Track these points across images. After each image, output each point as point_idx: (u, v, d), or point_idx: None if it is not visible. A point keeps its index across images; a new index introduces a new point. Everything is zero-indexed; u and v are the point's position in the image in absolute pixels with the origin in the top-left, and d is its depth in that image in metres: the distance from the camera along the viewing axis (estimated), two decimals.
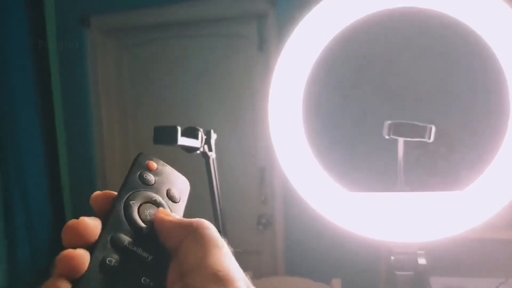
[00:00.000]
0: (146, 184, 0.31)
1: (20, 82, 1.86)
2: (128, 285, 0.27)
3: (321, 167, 0.87)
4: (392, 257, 0.81)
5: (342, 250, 1.52)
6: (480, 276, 1.28)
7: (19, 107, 1.85)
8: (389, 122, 0.79)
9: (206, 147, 0.84)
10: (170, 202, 0.32)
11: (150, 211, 0.30)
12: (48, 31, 1.98)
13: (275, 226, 1.87)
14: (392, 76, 0.93)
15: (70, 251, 0.25)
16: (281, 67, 0.87)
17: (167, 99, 1.98)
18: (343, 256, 1.61)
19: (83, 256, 0.25)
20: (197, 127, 0.81)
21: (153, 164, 0.33)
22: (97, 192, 0.30)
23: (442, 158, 0.88)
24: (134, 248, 0.28)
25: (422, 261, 0.79)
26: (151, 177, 0.32)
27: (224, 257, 0.28)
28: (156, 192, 0.32)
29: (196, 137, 0.80)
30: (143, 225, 0.29)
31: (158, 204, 0.31)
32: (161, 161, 0.34)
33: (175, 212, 0.32)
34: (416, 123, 0.79)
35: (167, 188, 0.33)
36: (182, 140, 0.73)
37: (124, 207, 0.29)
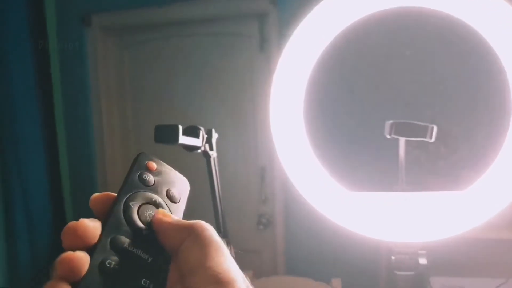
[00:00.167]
0: (146, 185, 0.31)
1: (20, 81, 1.86)
2: (128, 287, 0.26)
3: (322, 166, 0.87)
4: (393, 257, 0.81)
5: (343, 249, 1.52)
6: (480, 276, 1.28)
7: (19, 106, 1.85)
8: (391, 121, 0.79)
9: (207, 146, 0.84)
10: (170, 202, 0.32)
11: (150, 212, 0.30)
12: (48, 30, 1.98)
13: (275, 225, 1.87)
14: (394, 75, 0.93)
15: (69, 253, 0.25)
16: (282, 66, 0.87)
17: (168, 98, 1.98)
18: (343, 256, 1.61)
19: (82, 258, 0.25)
20: (198, 126, 0.81)
21: (153, 165, 0.33)
22: (97, 194, 0.30)
23: (442, 158, 0.88)
24: (134, 250, 0.28)
25: (423, 261, 0.79)
26: (150, 178, 0.32)
27: (224, 258, 0.28)
28: (156, 193, 0.32)
29: (197, 136, 0.80)
30: (142, 226, 0.29)
31: (157, 205, 0.31)
32: (161, 161, 0.34)
33: (175, 213, 0.32)
34: (418, 123, 0.79)
35: (167, 188, 0.32)
36: (183, 139, 0.73)
37: (123, 208, 0.29)
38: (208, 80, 1.91)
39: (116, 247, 0.27)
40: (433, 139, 0.78)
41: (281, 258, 1.86)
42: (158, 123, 0.71)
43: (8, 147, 1.81)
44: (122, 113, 2.09)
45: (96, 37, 2.00)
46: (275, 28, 1.75)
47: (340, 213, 0.84)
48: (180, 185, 0.34)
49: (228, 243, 0.89)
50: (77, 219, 0.27)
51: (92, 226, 0.27)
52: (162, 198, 0.32)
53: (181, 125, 0.73)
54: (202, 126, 0.83)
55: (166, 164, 0.34)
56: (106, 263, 0.26)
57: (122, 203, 0.29)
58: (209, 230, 0.29)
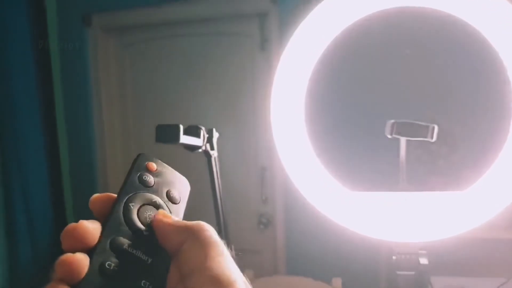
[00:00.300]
0: (146, 186, 0.31)
1: (21, 81, 1.86)
2: None
3: (323, 166, 0.87)
4: (394, 257, 0.80)
5: (343, 249, 1.52)
6: (481, 276, 1.28)
7: (20, 106, 1.85)
8: (392, 121, 0.79)
9: (208, 145, 0.84)
10: (170, 203, 0.32)
11: (150, 213, 0.30)
12: (49, 30, 1.98)
13: (276, 225, 1.87)
14: (395, 75, 0.93)
15: (69, 255, 0.25)
16: (283, 66, 0.87)
17: (168, 98, 1.98)
18: (344, 256, 1.61)
19: (82, 260, 0.25)
20: (199, 126, 0.81)
21: (153, 165, 0.33)
22: (96, 195, 0.30)
23: (443, 158, 0.88)
24: (134, 251, 0.28)
25: (423, 261, 0.79)
26: (150, 179, 0.32)
27: (224, 260, 0.28)
28: (156, 194, 0.31)
29: (198, 135, 0.80)
30: (142, 227, 0.29)
31: (158, 206, 0.31)
32: (161, 161, 0.34)
33: (175, 213, 0.32)
34: (419, 122, 0.79)
35: (167, 189, 0.32)
36: (184, 139, 0.73)
37: (123, 209, 0.29)
38: (209, 79, 1.91)
39: (115, 249, 0.27)
40: (434, 139, 0.78)
41: (281, 258, 1.86)
42: (159, 123, 0.71)
43: (8, 147, 1.81)
44: (123, 113, 2.09)
45: (97, 37, 2.00)
46: (276, 28, 1.75)
47: (341, 212, 0.84)
48: (180, 185, 0.34)
49: (228, 244, 0.89)
50: (77, 219, 0.27)
51: (92, 228, 0.27)
52: (162, 199, 0.31)
53: (182, 124, 0.73)
54: (203, 126, 0.83)
55: (166, 165, 0.34)
56: (106, 265, 0.26)
57: (122, 204, 0.29)
58: (210, 231, 0.29)
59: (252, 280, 1.47)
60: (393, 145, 0.81)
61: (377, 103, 0.92)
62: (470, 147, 0.88)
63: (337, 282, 1.43)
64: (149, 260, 0.28)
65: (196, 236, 0.28)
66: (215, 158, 0.87)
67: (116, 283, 0.26)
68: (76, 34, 2.00)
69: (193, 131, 0.79)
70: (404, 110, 0.88)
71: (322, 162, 0.87)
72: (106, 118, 2.05)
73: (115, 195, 0.30)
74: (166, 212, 0.31)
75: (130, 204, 0.29)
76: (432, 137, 0.78)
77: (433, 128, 0.78)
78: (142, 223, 0.29)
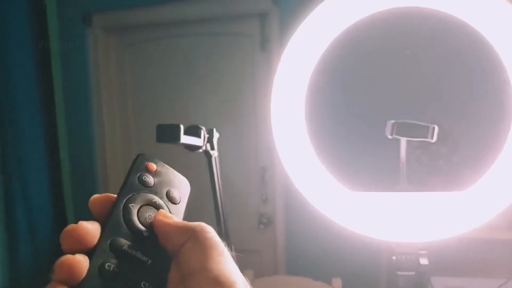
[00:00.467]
0: (146, 186, 0.31)
1: (22, 81, 1.86)
2: None
3: (323, 166, 0.87)
4: (394, 257, 0.80)
5: (343, 249, 1.52)
6: (482, 276, 1.28)
7: (21, 106, 1.85)
8: (392, 121, 0.79)
9: (208, 145, 0.84)
10: (170, 203, 0.32)
11: (149, 213, 0.30)
12: (50, 30, 1.98)
13: (276, 225, 1.87)
14: (395, 75, 0.93)
15: (69, 257, 0.25)
16: (284, 66, 0.87)
17: (169, 98, 1.98)
18: (344, 256, 1.61)
19: (82, 262, 0.25)
20: (200, 126, 0.81)
21: (153, 166, 0.32)
22: (96, 196, 0.29)
23: (444, 158, 0.88)
24: (134, 252, 0.27)
25: (424, 261, 0.79)
26: (150, 179, 0.32)
27: (225, 261, 0.28)
28: (156, 194, 0.31)
29: (198, 135, 0.80)
30: (142, 228, 0.29)
31: (157, 206, 0.31)
32: (161, 161, 0.33)
33: (175, 213, 0.32)
34: (419, 123, 0.79)
35: (167, 189, 0.32)
36: (185, 139, 0.73)
37: (123, 210, 0.29)
38: (209, 79, 1.91)
39: (115, 250, 0.27)
40: (434, 139, 0.78)
41: (281, 258, 1.86)
42: (159, 123, 0.71)
43: (9, 147, 1.81)
44: (123, 113, 2.09)
45: (97, 37, 2.00)
46: (276, 28, 1.75)
47: (341, 213, 0.84)
48: (180, 186, 0.33)
49: (228, 244, 0.89)
50: (78, 219, 0.27)
51: (92, 229, 0.27)
52: (162, 199, 0.31)
53: (182, 124, 0.73)
54: (203, 126, 0.83)
55: (166, 165, 0.34)
56: (106, 266, 0.26)
57: (122, 205, 0.29)
58: (210, 232, 0.29)
59: (252, 280, 1.47)
60: (393, 145, 0.81)
61: (377, 103, 0.92)
62: (471, 148, 0.88)
63: (337, 282, 1.43)
64: (149, 261, 0.28)
65: (196, 237, 0.28)
66: (215, 158, 0.87)
67: (116, 284, 0.26)
68: (77, 34, 2.00)
69: (193, 131, 0.79)
70: (405, 111, 0.88)
71: (323, 162, 0.87)
72: (106, 118, 2.05)
73: (115, 196, 0.30)
74: (166, 212, 0.31)
75: (130, 204, 0.29)
76: (432, 138, 0.78)
77: (433, 128, 0.78)
78: (142, 223, 0.29)
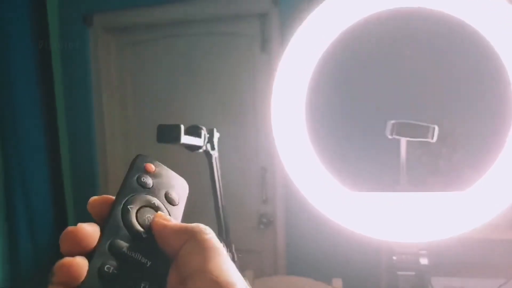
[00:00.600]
0: (144, 187, 0.31)
1: (22, 81, 1.86)
2: None
3: (323, 166, 0.87)
4: (394, 257, 0.81)
5: (343, 249, 1.52)
6: (482, 276, 1.28)
7: (21, 106, 1.86)
8: (392, 121, 0.79)
9: (208, 145, 0.84)
10: (168, 205, 0.32)
11: (148, 215, 0.30)
12: (50, 30, 1.98)
13: (276, 225, 1.87)
14: (396, 75, 0.93)
15: (68, 259, 0.25)
16: (284, 66, 0.87)
17: (169, 98, 1.98)
18: (344, 256, 1.61)
19: (81, 264, 0.25)
20: (200, 126, 0.81)
21: (151, 167, 0.32)
22: (94, 197, 0.29)
23: (444, 158, 0.88)
24: (133, 254, 0.27)
25: (424, 261, 0.79)
26: (149, 180, 0.32)
27: (224, 262, 0.28)
28: (154, 195, 0.31)
29: (199, 135, 0.80)
30: (141, 230, 0.29)
31: (156, 208, 0.31)
32: (159, 162, 0.33)
33: (174, 215, 0.32)
34: (419, 123, 0.79)
35: (166, 190, 0.32)
36: (185, 139, 0.73)
37: (122, 212, 0.29)
38: (209, 79, 1.92)
39: (115, 252, 0.27)
40: (434, 139, 0.78)
41: (281, 258, 1.86)
42: (160, 123, 0.71)
43: (9, 147, 1.81)
44: (124, 113, 2.10)
45: (98, 37, 2.00)
46: (277, 28, 1.75)
47: (341, 213, 0.84)
48: (179, 187, 0.33)
49: (229, 244, 0.89)
50: (78, 219, 0.27)
51: (91, 231, 0.27)
52: (160, 200, 0.31)
53: (182, 124, 0.73)
54: (204, 126, 0.83)
55: (164, 166, 0.34)
56: (105, 268, 0.26)
57: (121, 207, 0.29)
58: (208, 233, 0.29)
59: (252, 281, 1.47)
60: (393, 145, 0.81)
61: (377, 103, 0.92)
62: (471, 148, 0.88)
63: (338, 282, 1.43)
64: (149, 263, 0.28)
65: (195, 239, 0.28)
66: (215, 158, 0.87)
67: (115, 286, 0.26)
68: (77, 34, 2.00)
69: (194, 131, 0.79)
70: (405, 111, 0.88)
71: (323, 162, 0.87)
72: (107, 118, 2.05)
73: (113, 197, 0.30)
74: (165, 214, 0.31)
75: (128, 206, 0.29)
76: (432, 138, 0.78)
77: (434, 128, 0.78)
78: (141, 225, 0.29)
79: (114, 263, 0.26)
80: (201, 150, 0.83)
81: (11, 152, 1.82)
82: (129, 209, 0.29)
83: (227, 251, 0.30)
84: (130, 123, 2.09)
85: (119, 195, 0.30)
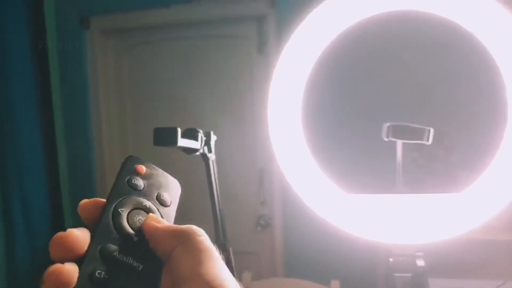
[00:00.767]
0: (135, 189, 0.30)
1: (20, 83, 1.86)
2: None
3: (320, 169, 0.87)
4: (391, 259, 0.81)
5: (341, 251, 1.52)
6: (478, 278, 1.29)
7: (18, 108, 1.85)
8: (388, 124, 0.80)
9: (205, 148, 0.84)
10: (160, 206, 0.31)
11: (140, 217, 0.29)
12: (48, 32, 1.98)
13: (274, 227, 1.87)
14: (392, 78, 0.93)
15: (58, 266, 0.25)
16: (281, 69, 0.87)
17: (166, 101, 1.98)
18: (342, 258, 1.61)
19: (71, 271, 0.25)
20: (197, 129, 0.81)
21: (142, 168, 0.32)
22: (84, 201, 0.29)
23: (440, 160, 0.88)
24: (124, 258, 0.27)
25: (420, 263, 0.79)
26: (140, 182, 0.31)
27: (218, 266, 0.27)
28: (146, 197, 0.31)
29: (196, 138, 0.80)
30: (132, 233, 0.28)
31: (148, 210, 0.30)
32: (151, 163, 0.33)
33: (166, 217, 0.31)
34: (415, 125, 0.79)
35: (157, 192, 0.31)
36: (182, 142, 0.73)
37: (112, 215, 0.28)
38: (207, 82, 1.92)
39: (105, 256, 0.26)
40: (430, 142, 0.79)
41: (279, 260, 1.86)
42: (157, 125, 0.72)
43: (7, 148, 1.81)
44: (121, 115, 2.09)
45: (95, 39, 2.00)
46: (274, 31, 1.76)
47: (338, 215, 0.84)
48: (171, 188, 0.33)
49: (226, 246, 0.89)
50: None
51: (81, 236, 0.26)
52: (152, 202, 0.31)
53: (180, 127, 0.73)
54: (201, 128, 0.83)
55: (156, 167, 0.33)
56: (96, 274, 0.25)
57: (111, 210, 0.28)
58: (201, 235, 0.29)
59: (250, 283, 1.47)
60: (389, 147, 0.81)
61: (374, 106, 0.93)
62: (466, 150, 0.89)
63: (336, 284, 1.43)
64: (141, 267, 0.27)
65: (188, 241, 0.28)
66: (212, 161, 0.87)
67: None
68: (74, 36, 2.00)
69: (190, 134, 0.79)
70: (401, 113, 0.89)
71: (320, 165, 0.87)
72: (104, 120, 2.05)
73: (104, 200, 0.29)
74: (157, 216, 0.30)
75: (119, 209, 0.29)
76: (428, 140, 0.78)
77: (429, 130, 0.78)
78: (132, 228, 0.28)
79: (105, 268, 0.26)
80: (198, 153, 0.83)
81: (8, 153, 1.81)
82: (120, 212, 0.28)
83: (220, 253, 0.29)
84: (127, 125, 2.09)
85: (110, 198, 0.29)
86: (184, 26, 1.92)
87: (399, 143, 0.81)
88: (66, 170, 2.10)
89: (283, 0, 1.72)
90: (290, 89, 0.88)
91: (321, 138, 0.89)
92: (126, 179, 0.31)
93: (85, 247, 0.26)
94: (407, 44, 0.90)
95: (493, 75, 0.77)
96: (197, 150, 0.82)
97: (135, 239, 0.28)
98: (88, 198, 0.29)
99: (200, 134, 0.81)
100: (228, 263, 0.85)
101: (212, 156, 0.87)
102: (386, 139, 0.80)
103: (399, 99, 0.91)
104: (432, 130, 0.79)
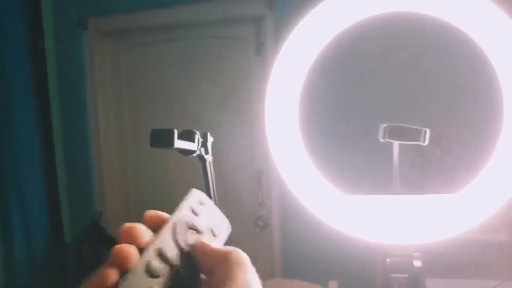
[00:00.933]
0: (195, 215, 0.36)
1: (17, 84, 1.86)
2: None
3: (317, 170, 0.88)
4: (388, 260, 0.81)
5: (339, 252, 1.52)
6: (475, 278, 1.29)
7: (16, 109, 1.85)
8: (385, 125, 0.80)
9: (202, 150, 0.84)
10: (211, 235, 0.37)
11: (193, 236, 0.35)
12: (46, 33, 1.98)
13: (272, 228, 1.87)
14: (389, 79, 0.94)
15: (125, 245, 0.29)
16: (278, 70, 0.88)
17: (164, 102, 1.98)
18: (340, 259, 1.61)
19: (135, 254, 0.29)
20: (194, 130, 0.81)
21: (202, 200, 0.38)
22: (152, 211, 0.34)
23: (436, 161, 0.89)
24: (174, 264, 0.31)
25: (417, 263, 0.79)
26: (198, 210, 0.37)
27: (249, 278, 0.31)
28: (201, 224, 0.36)
29: (192, 140, 0.80)
30: (184, 247, 0.33)
31: (200, 233, 0.36)
32: (209, 199, 0.39)
33: (214, 244, 0.36)
34: (411, 126, 0.80)
35: (210, 221, 0.37)
36: (179, 143, 0.73)
37: (172, 228, 0.33)
38: (205, 83, 1.92)
39: (161, 258, 0.31)
40: (426, 143, 0.79)
41: (277, 261, 1.86)
42: (155, 127, 0.72)
43: (4, 149, 1.81)
44: (119, 116, 2.09)
45: (93, 41, 2.00)
46: (271, 32, 1.76)
47: (336, 216, 0.84)
48: (222, 223, 0.39)
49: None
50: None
51: (145, 231, 0.31)
52: (205, 229, 0.36)
53: (177, 128, 0.73)
54: (199, 130, 0.83)
55: (212, 203, 0.39)
56: (152, 266, 0.30)
57: (171, 224, 0.33)
58: (244, 258, 0.33)
59: None
60: (386, 148, 0.81)
61: (371, 107, 0.93)
62: (463, 150, 0.89)
63: (334, 285, 1.43)
64: (185, 275, 0.32)
65: (231, 262, 0.31)
66: (209, 162, 0.87)
67: (155, 285, 0.30)
68: (72, 38, 2.00)
69: (187, 135, 0.79)
70: (397, 114, 0.89)
71: (317, 165, 0.87)
72: (102, 121, 2.05)
73: (167, 215, 0.34)
74: (206, 241, 0.35)
75: (178, 226, 0.34)
76: (424, 141, 0.79)
77: (425, 131, 0.78)
78: (185, 244, 0.34)
79: (158, 265, 0.30)
80: (195, 155, 0.83)
81: (5, 154, 1.81)
82: (179, 228, 0.34)
83: None
84: (126, 126, 2.09)
85: (173, 216, 0.34)
86: (181, 27, 1.92)
87: (396, 144, 0.81)
88: (64, 171, 2.10)
89: (281, 1, 1.73)
90: (288, 90, 0.88)
91: (318, 139, 0.90)
92: (188, 205, 0.36)
93: (146, 241, 0.31)
94: (404, 46, 0.91)
95: (490, 76, 0.77)
96: (194, 151, 0.82)
97: (185, 251, 0.33)
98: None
99: (197, 136, 0.81)
100: None
101: (208, 158, 0.87)
102: (382, 140, 0.80)
103: (395, 100, 0.92)
104: (428, 131, 0.79)
